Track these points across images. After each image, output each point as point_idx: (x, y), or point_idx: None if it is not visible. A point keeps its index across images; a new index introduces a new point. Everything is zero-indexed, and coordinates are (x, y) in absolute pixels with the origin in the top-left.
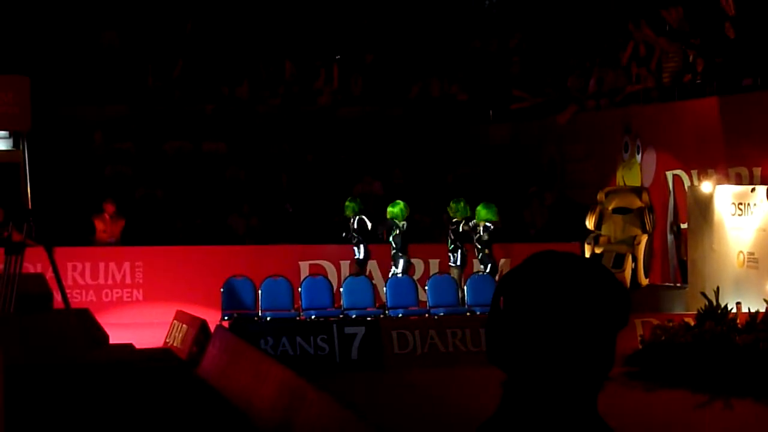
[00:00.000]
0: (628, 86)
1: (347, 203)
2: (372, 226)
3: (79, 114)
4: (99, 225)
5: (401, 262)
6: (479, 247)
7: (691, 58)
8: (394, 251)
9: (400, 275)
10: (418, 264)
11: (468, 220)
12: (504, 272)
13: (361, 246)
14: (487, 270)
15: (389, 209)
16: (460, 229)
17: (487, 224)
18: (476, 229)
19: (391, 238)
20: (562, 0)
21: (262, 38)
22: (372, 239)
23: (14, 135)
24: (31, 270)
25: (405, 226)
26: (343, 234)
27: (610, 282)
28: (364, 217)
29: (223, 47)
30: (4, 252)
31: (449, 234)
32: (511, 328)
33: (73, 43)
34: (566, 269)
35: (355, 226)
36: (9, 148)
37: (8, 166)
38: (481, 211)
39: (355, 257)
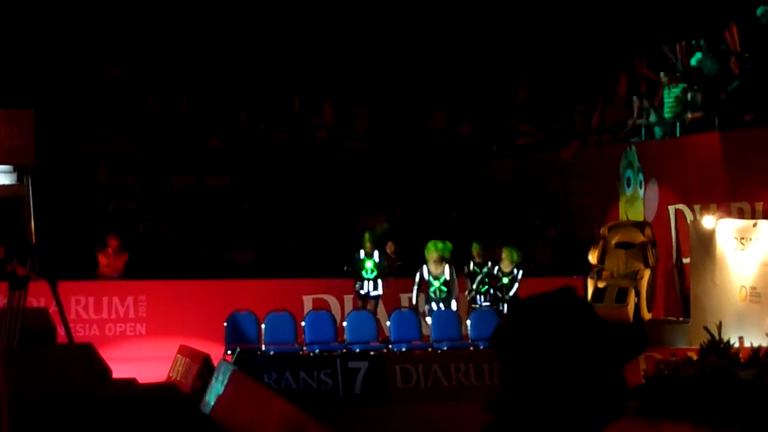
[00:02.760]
0: (631, 121)
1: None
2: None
3: (83, 148)
4: (102, 259)
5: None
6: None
7: (690, 96)
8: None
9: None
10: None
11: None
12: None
13: (379, 281)
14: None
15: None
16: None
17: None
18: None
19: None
20: (565, 36)
21: (268, 73)
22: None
23: (18, 169)
24: (35, 304)
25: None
26: (346, 268)
27: (591, 318)
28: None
29: (227, 82)
30: (7, 286)
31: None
32: (514, 378)
33: (78, 77)
34: (549, 315)
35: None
36: (13, 183)
37: (12, 200)
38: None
39: (366, 293)
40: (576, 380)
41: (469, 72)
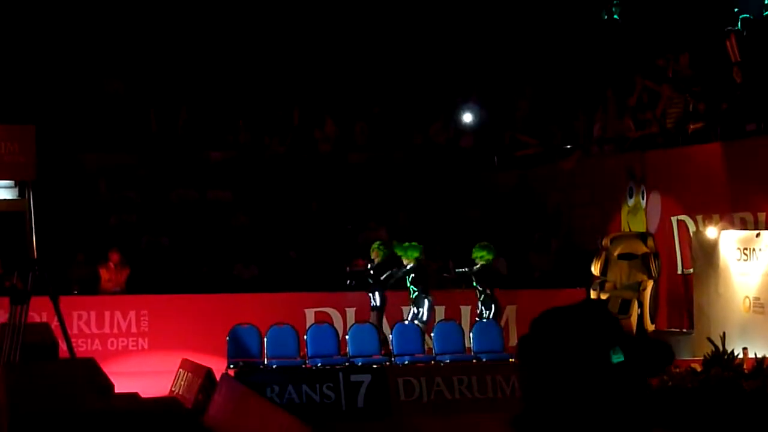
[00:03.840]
0: (633, 132)
1: (380, 247)
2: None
3: (84, 162)
4: (104, 274)
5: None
6: (480, 289)
7: (691, 106)
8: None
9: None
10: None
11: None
12: (509, 319)
13: (377, 293)
14: (491, 314)
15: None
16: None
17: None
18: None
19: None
20: (566, 47)
21: (268, 86)
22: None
23: (20, 184)
24: (36, 319)
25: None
26: (350, 282)
27: (611, 325)
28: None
29: (228, 95)
30: (9, 301)
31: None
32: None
33: (78, 91)
34: (575, 327)
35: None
36: (14, 198)
37: (13, 215)
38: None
39: (372, 305)
40: (602, 394)
41: (470, 84)
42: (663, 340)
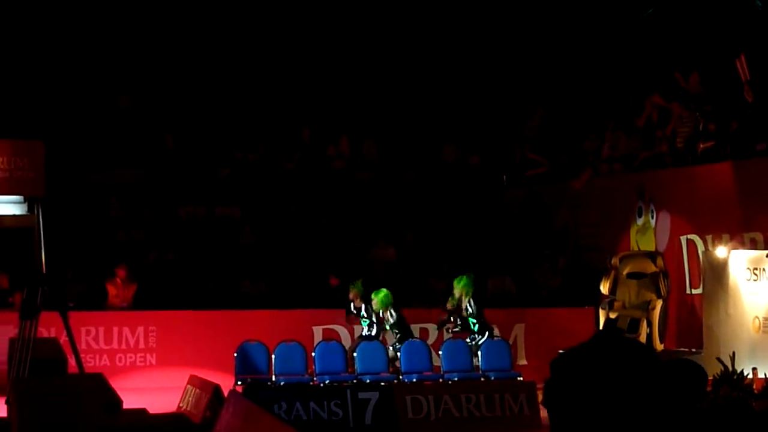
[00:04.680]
0: (642, 151)
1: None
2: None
3: (93, 179)
4: (111, 290)
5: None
6: (474, 321)
7: (701, 125)
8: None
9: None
10: (432, 328)
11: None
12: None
13: (374, 325)
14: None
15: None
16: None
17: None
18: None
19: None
20: (576, 66)
21: (278, 103)
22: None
23: (29, 200)
24: (45, 334)
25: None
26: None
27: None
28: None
29: (237, 112)
30: (18, 317)
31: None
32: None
33: (88, 108)
34: (599, 364)
35: (363, 312)
36: (23, 213)
37: (22, 231)
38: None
39: (363, 333)
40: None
41: (480, 103)
42: (669, 359)
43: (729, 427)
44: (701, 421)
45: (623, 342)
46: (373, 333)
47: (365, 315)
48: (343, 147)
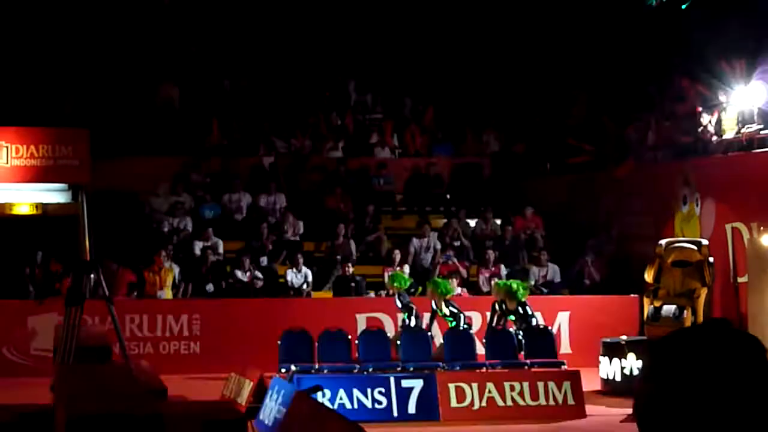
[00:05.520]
0: (687, 138)
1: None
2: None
3: (137, 167)
4: (149, 278)
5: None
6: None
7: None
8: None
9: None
10: (476, 317)
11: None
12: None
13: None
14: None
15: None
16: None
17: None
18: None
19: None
20: (620, 53)
21: (322, 91)
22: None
23: (73, 187)
24: (90, 322)
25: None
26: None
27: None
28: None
29: (281, 100)
30: (63, 304)
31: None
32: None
33: (133, 96)
34: (712, 367)
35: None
36: (68, 201)
37: (67, 218)
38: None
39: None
40: None
41: (524, 90)
42: None
43: None
44: None
45: (734, 333)
46: (413, 324)
47: (406, 305)
48: (388, 136)
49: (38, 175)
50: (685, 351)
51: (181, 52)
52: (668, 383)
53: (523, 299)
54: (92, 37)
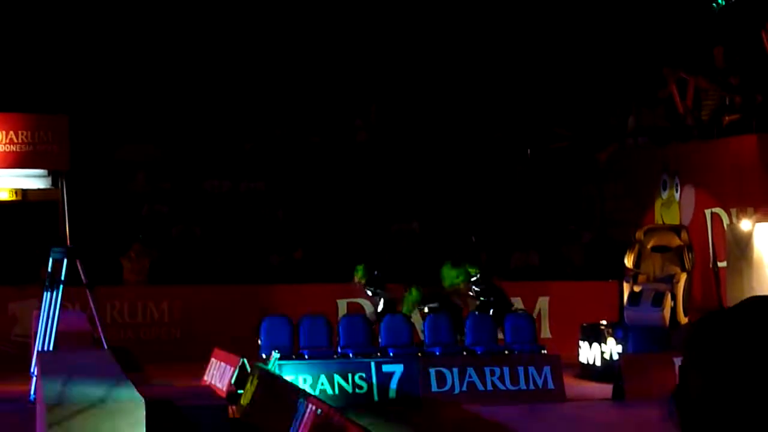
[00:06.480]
0: (667, 124)
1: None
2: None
3: (117, 153)
4: (126, 264)
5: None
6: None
7: (727, 100)
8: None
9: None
10: None
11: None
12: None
13: (382, 299)
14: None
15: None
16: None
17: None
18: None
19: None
20: (601, 39)
21: (304, 76)
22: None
23: (53, 174)
24: (70, 308)
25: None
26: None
27: None
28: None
29: (262, 86)
30: (43, 290)
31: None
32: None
33: (113, 83)
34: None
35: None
36: (48, 187)
37: (47, 204)
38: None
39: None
40: None
41: (505, 76)
42: None
43: None
44: None
45: None
46: (380, 310)
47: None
48: (373, 119)
49: (18, 161)
50: (730, 333)
51: (162, 39)
52: (716, 370)
53: (455, 281)
54: (74, 23)
